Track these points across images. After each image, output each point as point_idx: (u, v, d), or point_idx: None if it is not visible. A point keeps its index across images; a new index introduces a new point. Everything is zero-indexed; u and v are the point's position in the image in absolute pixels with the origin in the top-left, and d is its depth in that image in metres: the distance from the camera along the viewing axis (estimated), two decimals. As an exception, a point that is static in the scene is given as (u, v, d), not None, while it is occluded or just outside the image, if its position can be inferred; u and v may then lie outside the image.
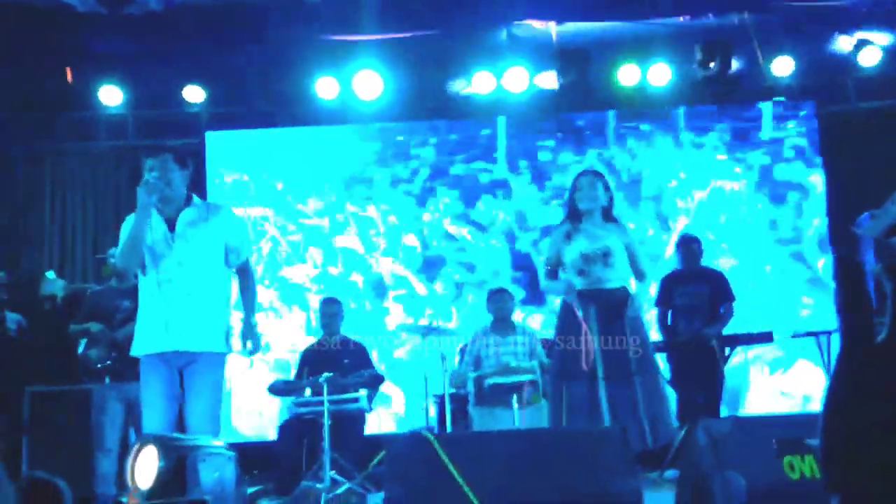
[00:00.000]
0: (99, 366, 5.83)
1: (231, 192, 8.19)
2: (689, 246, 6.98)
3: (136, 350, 4.17)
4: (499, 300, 6.70)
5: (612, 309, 4.83)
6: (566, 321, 4.92)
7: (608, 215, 5.03)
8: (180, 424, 4.18)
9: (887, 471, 1.70)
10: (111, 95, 8.29)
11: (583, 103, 8.51)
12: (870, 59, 8.24)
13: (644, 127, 8.43)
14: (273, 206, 8.32)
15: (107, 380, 5.81)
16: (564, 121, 8.48)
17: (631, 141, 8.41)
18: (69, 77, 8.15)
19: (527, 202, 8.34)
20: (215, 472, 3.46)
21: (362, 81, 8.24)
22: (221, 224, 4.17)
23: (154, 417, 4.06)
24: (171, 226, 4.07)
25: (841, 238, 7.65)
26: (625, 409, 4.61)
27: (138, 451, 3.39)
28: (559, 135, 8.45)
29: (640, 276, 5.08)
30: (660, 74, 8.30)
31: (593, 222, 4.96)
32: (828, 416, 1.78)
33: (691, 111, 8.43)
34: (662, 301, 6.88)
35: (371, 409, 6.58)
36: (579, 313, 4.77)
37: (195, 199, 4.20)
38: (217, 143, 8.44)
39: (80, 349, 5.97)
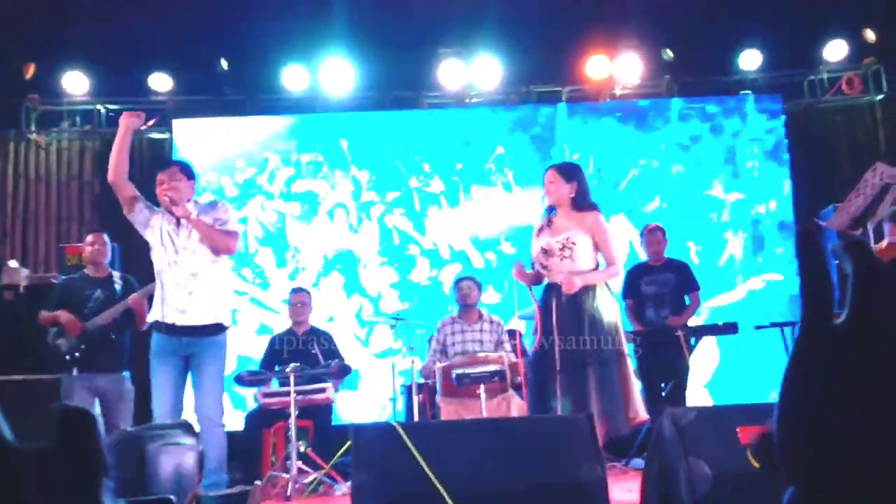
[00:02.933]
0: (67, 357, 5.74)
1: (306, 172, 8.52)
2: (654, 234, 7.03)
3: (152, 317, 4.97)
4: (464, 287, 6.69)
5: (569, 301, 4.77)
6: (532, 314, 4.94)
7: (579, 205, 4.95)
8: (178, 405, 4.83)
9: (843, 458, 1.67)
10: (76, 83, 8.19)
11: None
12: (835, 54, 8.33)
13: (710, 109, 8.54)
14: (339, 183, 8.47)
15: (74, 370, 5.72)
16: (625, 103, 8.61)
17: (695, 122, 8.52)
18: (30, 72, 8.03)
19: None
20: (175, 462, 3.43)
21: (331, 70, 8.20)
22: (216, 214, 4.99)
23: (162, 402, 4.76)
24: (178, 222, 4.91)
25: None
26: (575, 401, 4.58)
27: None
28: (619, 114, 8.56)
29: (608, 263, 5.00)
30: (629, 66, 8.34)
31: (564, 214, 4.96)
32: (783, 401, 1.72)
33: (760, 97, 8.53)
34: (629, 293, 6.91)
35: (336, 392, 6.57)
36: (538, 306, 4.78)
37: (196, 202, 5.06)
38: (185, 131, 8.39)
39: (50, 338, 5.86)
